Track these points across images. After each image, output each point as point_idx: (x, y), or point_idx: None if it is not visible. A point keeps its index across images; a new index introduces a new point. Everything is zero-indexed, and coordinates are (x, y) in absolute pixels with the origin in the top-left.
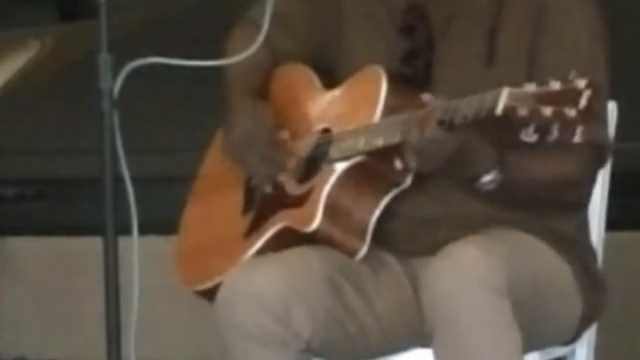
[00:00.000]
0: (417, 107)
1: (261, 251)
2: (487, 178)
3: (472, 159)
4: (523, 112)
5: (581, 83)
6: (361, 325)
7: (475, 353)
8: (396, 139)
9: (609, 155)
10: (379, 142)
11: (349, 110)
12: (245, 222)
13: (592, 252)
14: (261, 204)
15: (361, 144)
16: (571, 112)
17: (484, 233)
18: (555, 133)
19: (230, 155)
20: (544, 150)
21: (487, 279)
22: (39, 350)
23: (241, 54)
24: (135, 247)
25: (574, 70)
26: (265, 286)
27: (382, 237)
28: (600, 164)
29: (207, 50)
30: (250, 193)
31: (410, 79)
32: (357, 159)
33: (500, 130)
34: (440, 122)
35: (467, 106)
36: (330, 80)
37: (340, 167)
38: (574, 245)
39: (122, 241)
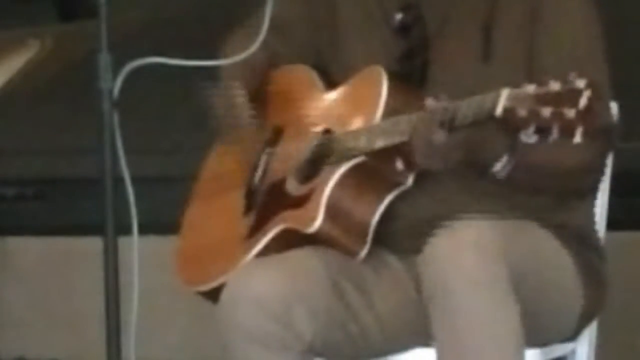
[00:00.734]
0: (418, 108)
1: (263, 252)
2: (499, 165)
3: (482, 148)
4: (522, 112)
5: (581, 83)
6: (363, 325)
7: (470, 312)
8: (397, 139)
9: (616, 138)
10: (380, 142)
11: (350, 110)
12: (246, 223)
13: (597, 248)
14: (262, 205)
15: (362, 144)
16: (570, 113)
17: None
18: (555, 134)
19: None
20: None
21: (483, 244)
22: (39, 350)
23: (240, 55)
24: (135, 247)
25: (573, 71)
26: (266, 288)
27: (384, 237)
28: (609, 145)
29: (207, 50)
30: (251, 194)
31: (407, 79)
32: (358, 160)
33: (500, 131)
34: (441, 123)
35: (467, 107)
36: (332, 80)
37: (342, 168)
38: (579, 239)
39: (122, 241)
